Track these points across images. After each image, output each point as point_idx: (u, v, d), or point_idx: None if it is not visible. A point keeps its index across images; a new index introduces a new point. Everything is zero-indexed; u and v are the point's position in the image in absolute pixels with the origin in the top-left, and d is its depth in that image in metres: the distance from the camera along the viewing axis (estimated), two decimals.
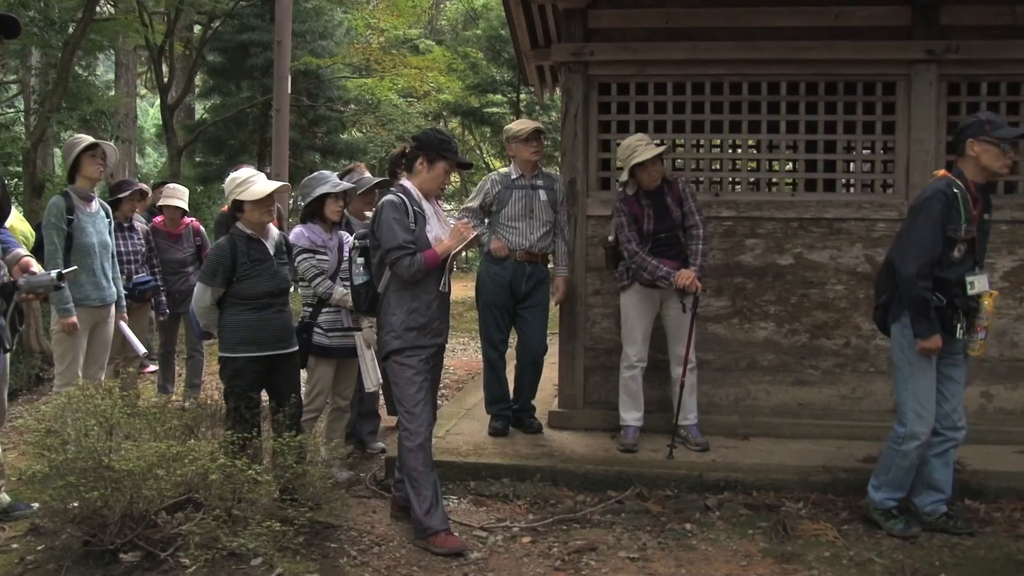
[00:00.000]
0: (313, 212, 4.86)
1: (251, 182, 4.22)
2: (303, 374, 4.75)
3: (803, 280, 5.47)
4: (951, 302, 3.97)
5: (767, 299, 5.49)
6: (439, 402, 5.18)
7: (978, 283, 3.99)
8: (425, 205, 4.08)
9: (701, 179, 5.84)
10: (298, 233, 4.85)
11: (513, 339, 5.57)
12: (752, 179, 6.10)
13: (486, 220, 5.44)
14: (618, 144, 5.25)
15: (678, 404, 5.09)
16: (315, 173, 5.05)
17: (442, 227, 4.11)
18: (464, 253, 4.84)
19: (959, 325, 3.97)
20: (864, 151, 5.88)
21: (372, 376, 4.76)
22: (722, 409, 5.47)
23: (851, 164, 5.76)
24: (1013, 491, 4.52)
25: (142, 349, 5.80)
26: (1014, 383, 5.33)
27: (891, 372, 4.41)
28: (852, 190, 5.73)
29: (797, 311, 5.48)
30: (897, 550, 3.95)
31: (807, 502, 4.51)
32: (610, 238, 5.23)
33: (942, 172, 4.13)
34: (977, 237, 4.01)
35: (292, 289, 4.67)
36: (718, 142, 5.91)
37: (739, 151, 5.81)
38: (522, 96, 18.88)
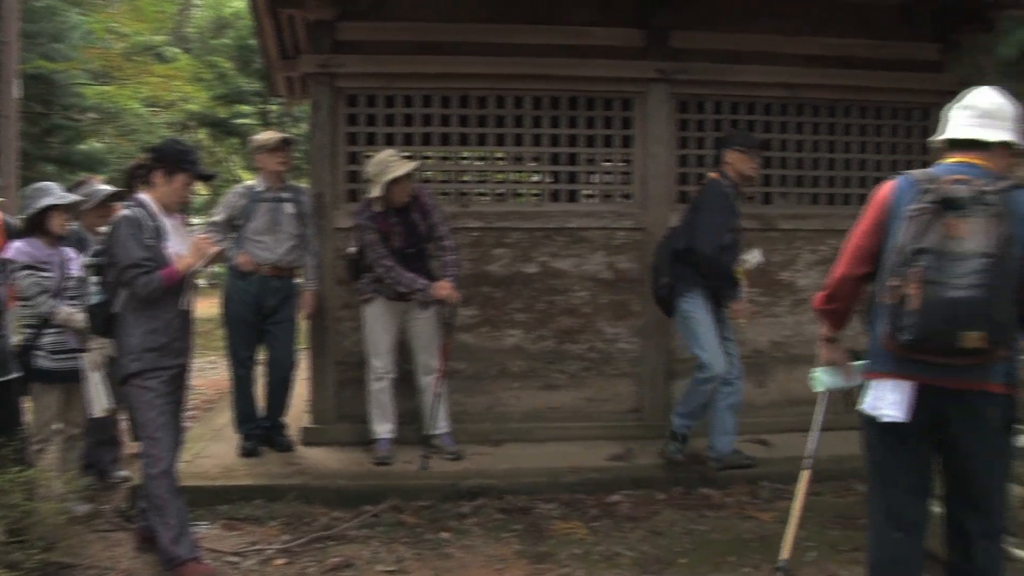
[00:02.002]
0: (35, 226, 4.86)
1: None
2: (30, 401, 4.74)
3: (549, 287, 6.20)
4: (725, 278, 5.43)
5: (515, 307, 6.16)
6: (186, 424, 5.32)
7: (744, 261, 5.46)
8: (165, 220, 4.19)
9: (449, 191, 6.41)
10: (18, 248, 4.83)
11: (264, 355, 5.83)
12: (499, 191, 6.75)
13: (231, 234, 5.65)
14: (367, 157, 5.67)
15: (430, 414, 5.59)
16: (38, 184, 5.04)
17: (184, 243, 4.24)
18: (208, 268, 5.00)
19: (727, 295, 5.44)
20: (605, 163, 6.70)
21: (99, 401, 4.72)
22: (474, 417, 6.07)
23: (593, 176, 6.55)
24: (742, 477, 5.49)
25: None
26: (750, 377, 6.31)
27: (634, 372, 5.77)
28: (594, 201, 6.49)
29: (544, 318, 6.20)
30: (643, 542, 4.64)
31: (558, 502, 5.16)
32: (350, 249, 5.64)
33: (715, 174, 5.46)
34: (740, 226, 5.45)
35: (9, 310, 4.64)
36: (466, 155, 6.47)
37: (486, 163, 6.40)
38: (271, 107, 19.04)
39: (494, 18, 6.04)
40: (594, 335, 6.26)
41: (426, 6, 6.00)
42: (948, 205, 2.91)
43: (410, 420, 5.79)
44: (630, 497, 5.25)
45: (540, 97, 6.19)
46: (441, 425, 5.68)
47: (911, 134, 6.73)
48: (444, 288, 5.45)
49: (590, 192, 6.54)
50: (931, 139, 3.39)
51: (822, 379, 3.60)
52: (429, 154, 6.49)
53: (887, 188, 3.21)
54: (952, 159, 3.17)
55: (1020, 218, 2.91)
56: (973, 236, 2.86)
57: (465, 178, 6.44)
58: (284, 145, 5.65)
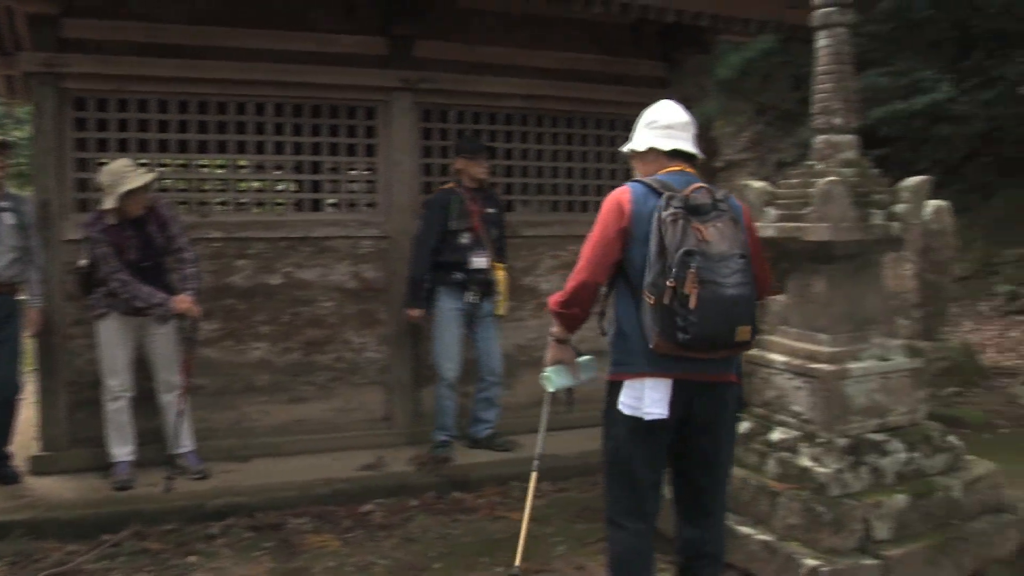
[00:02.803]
0: None
1: None
2: None
3: (294, 298, 6.35)
4: (466, 277, 6.06)
5: (259, 319, 6.26)
6: None
7: (477, 261, 6.10)
8: None
9: (188, 200, 6.37)
10: None
11: None
12: (241, 200, 6.80)
13: None
14: (100, 164, 5.57)
15: (173, 433, 5.60)
16: None
17: None
18: None
19: (470, 292, 6.10)
20: (350, 172, 6.93)
21: None
22: (220, 433, 6.11)
23: (337, 184, 6.76)
24: (493, 479, 5.92)
25: None
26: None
27: (383, 381, 6.30)
28: (338, 209, 6.70)
29: (290, 329, 6.34)
30: (397, 549, 4.90)
31: (310, 516, 5.31)
32: (81, 263, 5.52)
33: (451, 183, 6.22)
34: (482, 227, 6.11)
35: None
36: (206, 163, 6.48)
37: (227, 172, 6.43)
38: None
39: (235, 21, 6.07)
40: (341, 345, 6.49)
41: (163, 6, 5.93)
42: (694, 211, 3.23)
43: (152, 440, 5.73)
44: (383, 506, 5.51)
45: (283, 104, 6.31)
46: (185, 444, 5.69)
47: None
48: (183, 302, 5.48)
49: (334, 201, 6.73)
50: (626, 147, 3.71)
51: (553, 379, 3.72)
52: (167, 162, 6.44)
53: (625, 196, 3.38)
54: (672, 168, 3.49)
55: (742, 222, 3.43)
56: (723, 239, 3.19)
57: (205, 187, 6.42)
58: (2, 149, 5.43)
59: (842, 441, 4.22)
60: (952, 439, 4.59)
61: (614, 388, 3.46)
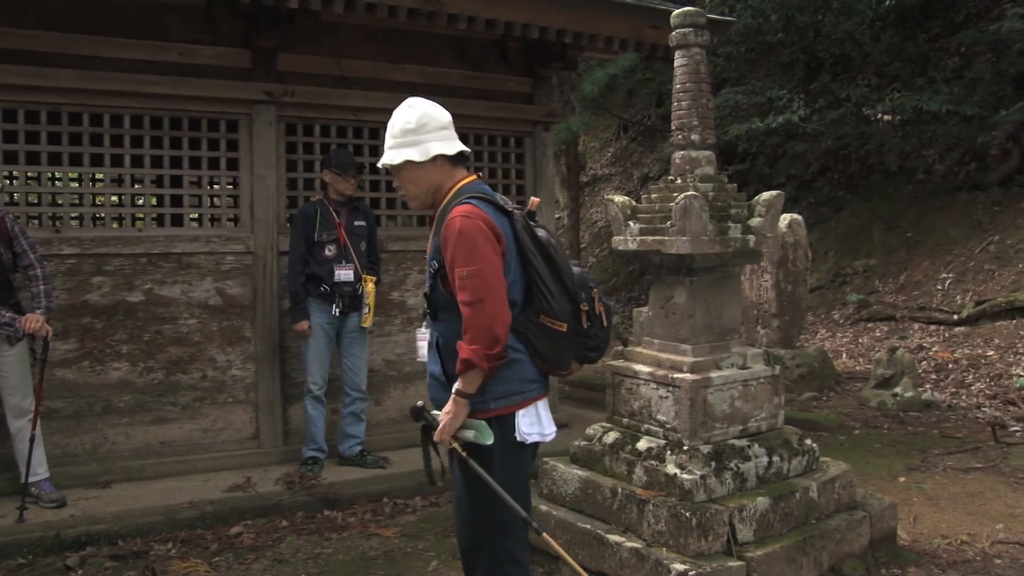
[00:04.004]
0: None
1: None
2: None
3: (155, 316, 6.19)
4: (331, 289, 6.12)
5: (119, 338, 6.07)
6: None
7: (342, 273, 6.17)
8: None
9: (39, 214, 6.13)
10: None
11: None
12: (98, 214, 6.58)
13: None
14: None
15: (26, 460, 5.37)
16: None
17: None
18: None
19: (335, 305, 6.16)
20: (214, 186, 6.80)
21: None
22: (78, 458, 5.90)
23: (200, 199, 6.63)
24: (364, 496, 5.90)
25: None
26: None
27: (250, 399, 6.30)
28: (201, 225, 6.56)
29: (151, 348, 6.17)
30: (267, 571, 4.82)
31: (176, 541, 5.20)
32: None
33: (318, 195, 6.38)
34: (348, 240, 6.20)
35: None
36: (59, 175, 6.25)
37: (81, 185, 6.23)
38: None
39: (90, 29, 5.89)
40: (206, 363, 6.35)
41: (9, 10, 5.69)
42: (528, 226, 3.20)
43: (2, 469, 5.53)
44: (252, 527, 5.42)
45: (141, 115, 6.15)
46: (39, 471, 5.46)
47: (508, 159, 7.63)
48: (34, 321, 5.27)
49: (197, 216, 6.60)
50: (398, 159, 3.23)
51: (484, 431, 3.19)
52: (15, 174, 6.18)
53: (487, 218, 3.10)
54: (471, 178, 3.31)
55: None
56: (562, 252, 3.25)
57: (59, 201, 6.19)
58: None
59: (706, 448, 4.37)
60: (809, 442, 4.82)
61: (503, 421, 3.19)
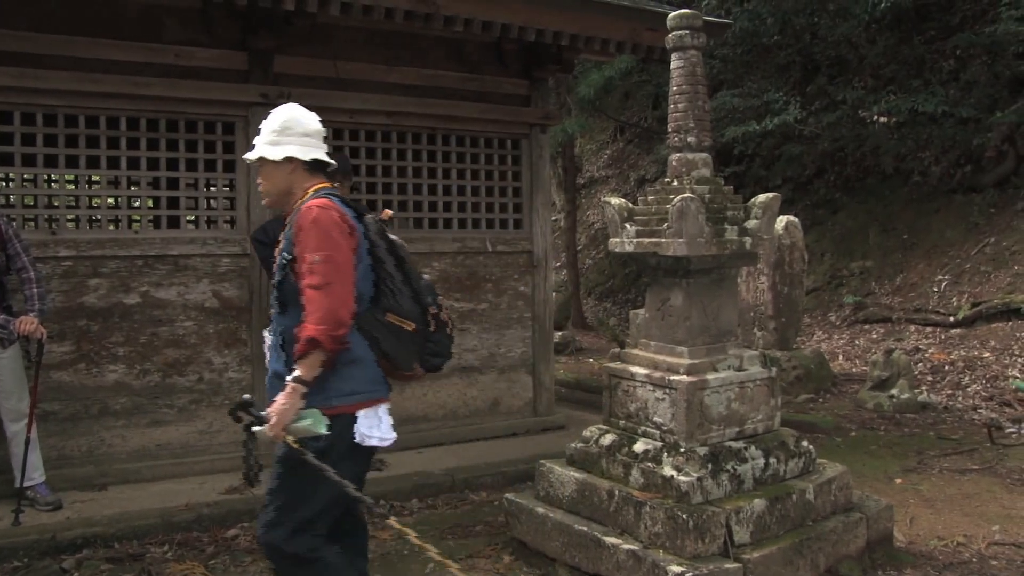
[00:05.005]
0: None
1: None
2: None
3: (152, 318, 6.18)
4: None
5: (115, 340, 6.07)
6: None
7: None
8: None
9: (35, 216, 6.11)
10: None
11: None
12: (94, 216, 6.57)
13: None
14: None
15: (22, 463, 5.36)
16: None
17: None
18: None
19: None
20: (210, 188, 6.80)
21: None
22: (74, 461, 5.89)
23: (196, 201, 6.63)
24: None
25: None
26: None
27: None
28: (197, 227, 6.57)
29: (148, 350, 6.17)
30: (263, 574, 4.79)
31: (173, 544, 5.17)
32: None
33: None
34: None
35: None
36: (56, 177, 6.24)
37: (77, 187, 6.22)
38: None
39: (85, 31, 5.89)
40: (203, 366, 6.35)
41: (4, 12, 5.68)
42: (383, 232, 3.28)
43: None
44: (249, 530, 5.37)
45: (137, 118, 6.15)
46: (34, 474, 5.45)
47: (504, 162, 7.64)
48: (28, 323, 5.26)
49: (193, 218, 6.60)
50: (254, 155, 3.35)
51: (320, 419, 3.13)
52: (11, 176, 6.17)
53: (342, 212, 3.19)
54: (325, 185, 3.36)
55: None
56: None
57: (55, 203, 6.17)
58: None
59: (703, 450, 4.38)
60: (805, 444, 4.83)
61: (343, 420, 3.16)
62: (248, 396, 3.39)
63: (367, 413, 3.22)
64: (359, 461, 3.31)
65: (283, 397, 3.08)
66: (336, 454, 3.15)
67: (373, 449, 3.29)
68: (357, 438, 3.19)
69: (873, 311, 12.09)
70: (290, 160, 3.30)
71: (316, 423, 3.09)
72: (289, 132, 3.32)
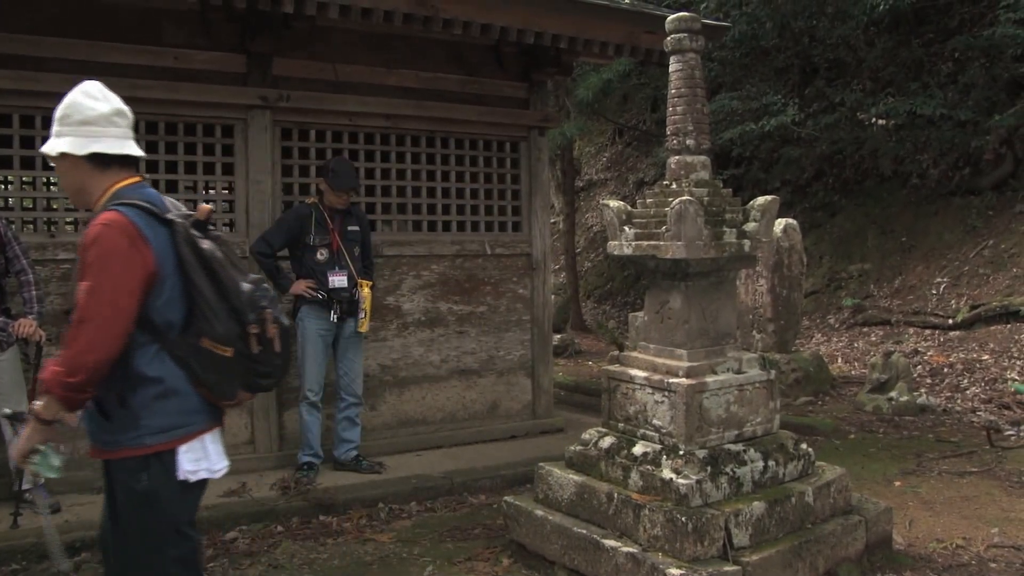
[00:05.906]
0: None
1: None
2: None
3: None
4: (327, 295, 6.13)
5: None
6: None
7: (336, 279, 6.16)
8: None
9: (34, 219, 6.10)
10: None
11: None
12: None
13: None
14: None
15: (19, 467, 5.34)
16: None
17: None
18: None
19: (333, 312, 6.15)
20: (209, 191, 6.79)
21: None
22: (73, 464, 5.70)
23: (195, 204, 6.60)
24: (359, 501, 5.88)
25: None
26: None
27: (244, 405, 5.68)
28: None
29: None
30: None
31: None
32: None
33: (312, 199, 6.35)
34: (342, 244, 6.22)
35: None
36: (54, 180, 6.24)
37: None
38: None
39: (85, 34, 5.89)
40: None
41: (2, 15, 5.68)
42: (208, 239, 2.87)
43: None
44: (247, 532, 5.41)
45: (136, 120, 6.10)
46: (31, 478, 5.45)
47: (503, 164, 7.64)
48: (26, 326, 5.25)
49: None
50: (53, 149, 2.88)
51: (53, 459, 2.90)
52: (10, 178, 6.16)
53: (132, 230, 2.75)
54: (131, 181, 2.95)
55: None
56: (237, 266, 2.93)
57: (54, 206, 6.16)
58: None
59: (702, 453, 4.38)
60: (804, 447, 4.82)
61: (163, 459, 2.85)
62: (7, 410, 3.24)
63: (189, 447, 2.88)
64: (191, 499, 3.00)
65: (26, 429, 2.83)
66: (164, 498, 2.86)
67: (204, 481, 2.99)
68: (181, 476, 2.86)
69: (872, 313, 12.10)
70: (64, 156, 2.87)
71: (43, 465, 2.85)
72: (67, 121, 2.87)
